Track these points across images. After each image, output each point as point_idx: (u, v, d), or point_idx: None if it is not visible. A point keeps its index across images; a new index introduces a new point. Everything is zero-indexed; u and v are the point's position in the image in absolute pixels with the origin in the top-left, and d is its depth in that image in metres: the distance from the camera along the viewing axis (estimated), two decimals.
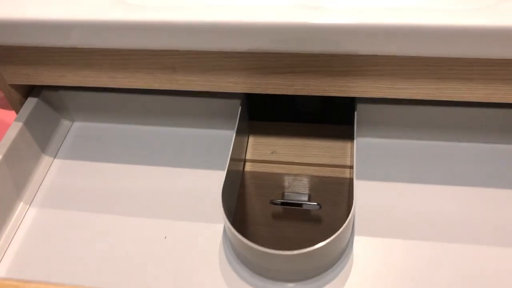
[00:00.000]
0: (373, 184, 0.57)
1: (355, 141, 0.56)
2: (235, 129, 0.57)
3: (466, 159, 0.58)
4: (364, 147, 0.61)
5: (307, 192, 0.64)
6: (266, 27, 0.46)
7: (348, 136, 0.63)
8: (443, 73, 0.48)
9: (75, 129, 0.68)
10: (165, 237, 0.53)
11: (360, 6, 0.46)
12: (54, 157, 0.64)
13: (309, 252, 0.46)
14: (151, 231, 0.55)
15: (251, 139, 0.65)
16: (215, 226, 0.54)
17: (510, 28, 0.42)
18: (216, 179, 0.59)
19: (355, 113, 0.57)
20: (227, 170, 0.53)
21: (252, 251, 0.47)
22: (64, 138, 0.66)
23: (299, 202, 0.64)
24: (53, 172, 0.62)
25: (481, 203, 0.54)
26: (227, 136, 0.62)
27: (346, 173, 0.61)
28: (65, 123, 0.68)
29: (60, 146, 0.65)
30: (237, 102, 0.60)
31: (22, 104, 0.62)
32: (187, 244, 0.53)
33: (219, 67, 0.52)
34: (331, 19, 0.45)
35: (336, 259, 0.50)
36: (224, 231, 0.53)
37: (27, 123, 0.60)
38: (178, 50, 0.51)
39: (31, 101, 0.62)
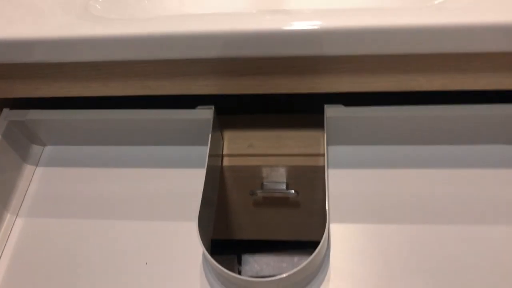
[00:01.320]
0: (346, 172, 0.61)
1: (326, 148, 0.59)
2: (210, 130, 0.59)
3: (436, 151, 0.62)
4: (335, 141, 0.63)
5: (284, 180, 0.67)
6: (229, 35, 0.47)
7: (320, 125, 0.66)
8: (403, 67, 0.51)
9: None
10: (146, 263, 0.55)
11: (319, 9, 0.48)
12: (36, 165, 0.66)
13: (287, 277, 0.47)
14: (134, 235, 0.57)
15: (227, 134, 0.67)
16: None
17: (460, 25, 0.45)
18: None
19: (325, 118, 0.59)
20: (207, 166, 0.55)
21: (231, 279, 0.49)
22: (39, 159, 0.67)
23: (277, 190, 0.67)
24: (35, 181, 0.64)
25: (451, 184, 0.58)
26: (202, 150, 0.63)
27: (320, 161, 0.64)
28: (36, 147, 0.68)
29: (39, 159, 0.67)
30: (209, 112, 0.61)
31: None
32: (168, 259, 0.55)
33: (189, 72, 0.54)
34: (294, 25, 0.47)
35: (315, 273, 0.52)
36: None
37: (6, 135, 0.61)
38: (147, 60, 0.52)
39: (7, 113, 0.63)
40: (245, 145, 0.66)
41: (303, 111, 0.68)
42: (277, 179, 0.67)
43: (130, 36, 0.48)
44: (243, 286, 0.50)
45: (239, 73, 0.53)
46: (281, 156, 0.65)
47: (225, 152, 0.66)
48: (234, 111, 0.69)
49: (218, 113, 0.62)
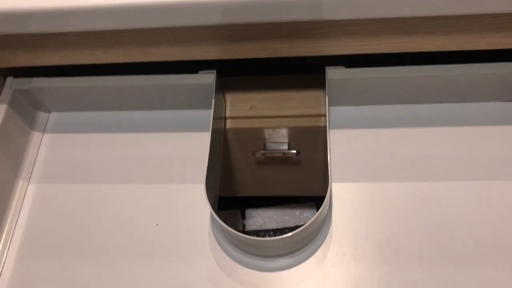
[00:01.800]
0: (347, 132, 0.62)
1: (327, 109, 0.60)
2: (213, 94, 0.60)
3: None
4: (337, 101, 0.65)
5: (286, 141, 0.69)
6: (230, 2, 0.47)
7: (321, 84, 0.67)
8: (403, 29, 0.51)
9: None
10: (157, 224, 0.58)
11: None
12: (43, 132, 0.67)
13: (291, 236, 0.49)
14: (144, 198, 0.60)
15: (229, 96, 0.68)
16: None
17: None
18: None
19: (326, 80, 0.60)
20: (212, 130, 0.56)
21: (239, 238, 0.51)
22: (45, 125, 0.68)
23: (280, 150, 0.69)
24: (44, 147, 0.66)
25: (451, 142, 0.60)
26: (205, 114, 0.64)
27: (321, 122, 0.65)
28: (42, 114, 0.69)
29: (45, 126, 0.68)
30: (211, 76, 0.62)
31: (2, 85, 0.64)
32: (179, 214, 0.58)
33: (191, 39, 0.54)
34: None
35: (317, 231, 0.55)
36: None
37: (12, 103, 0.62)
38: (149, 28, 0.52)
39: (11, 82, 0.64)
40: (246, 107, 0.67)
41: (304, 72, 0.69)
42: (279, 140, 0.69)
43: (133, 5, 0.48)
44: (250, 244, 0.52)
45: (241, 38, 0.54)
46: (282, 118, 0.66)
47: (227, 114, 0.67)
48: (234, 74, 0.70)
49: (219, 76, 0.63)
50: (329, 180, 0.53)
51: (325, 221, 0.56)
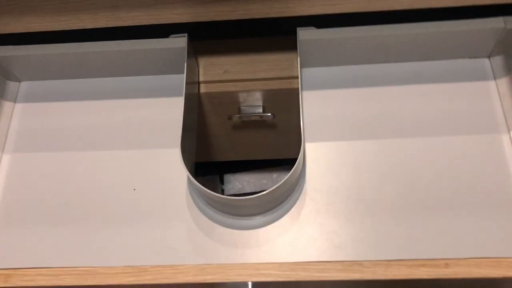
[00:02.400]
0: (320, 93, 0.63)
1: (299, 70, 0.60)
2: (185, 58, 0.59)
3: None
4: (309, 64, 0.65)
5: (261, 104, 0.70)
6: None
7: (294, 47, 0.67)
8: None
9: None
10: (134, 189, 0.58)
11: None
12: (14, 102, 0.66)
13: (266, 194, 0.51)
14: (121, 164, 0.60)
15: (202, 61, 0.68)
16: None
17: None
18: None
19: (297, 41, 0.60)
20: (185, 94, 0.57)
21: (216, 199, 0.53)
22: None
23: (254, 114, 0.70)
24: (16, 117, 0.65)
25: (420, 100, 0.61)
26: (178, 79, 0.64)
27: (295, 84, 0.66)
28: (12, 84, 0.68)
29: (16, 95, 0.67)
30: (182, 40, 0.61)
31: None
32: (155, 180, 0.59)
33: (161, 1, 0.53)
34: None
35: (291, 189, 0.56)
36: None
37: None
38: None
39: None
40: (220, 71, 0.67)
41: (277, 34, 0.69)
42: (253, 103, 0.69)
43: None
44: (228, 204, 0.54)
45: (210, 0, 0.53)
46: (256, 81, 0.67)
47: (201, 79, 0.67)
48: (207, 37, 0.70)
49: (191, 40, 0.62)
50: (302, 140, 0.55)
51: (299, 180, 0.57)
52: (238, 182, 1.00)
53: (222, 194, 0.97)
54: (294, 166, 0.52)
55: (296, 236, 0.54)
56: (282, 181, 0.51)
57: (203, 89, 0.67)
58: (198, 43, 0.68)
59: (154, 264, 0.43)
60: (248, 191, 0.99)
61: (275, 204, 0.55)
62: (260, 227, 0.55)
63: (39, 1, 0.53)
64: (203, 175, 0.96)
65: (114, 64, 0.64)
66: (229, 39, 0.70)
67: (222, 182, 1.01)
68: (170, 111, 0.63)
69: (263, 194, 0.51)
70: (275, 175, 1.00)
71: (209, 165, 0.97)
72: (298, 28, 0.60)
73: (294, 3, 0.54)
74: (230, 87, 0.67)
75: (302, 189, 0.56)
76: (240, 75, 0.67)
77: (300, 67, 0.61)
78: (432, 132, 0.59)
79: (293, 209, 0.55)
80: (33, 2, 0.53)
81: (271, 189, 0.51)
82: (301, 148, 0.54)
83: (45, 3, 0.54)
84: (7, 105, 0.65)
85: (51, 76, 0.66)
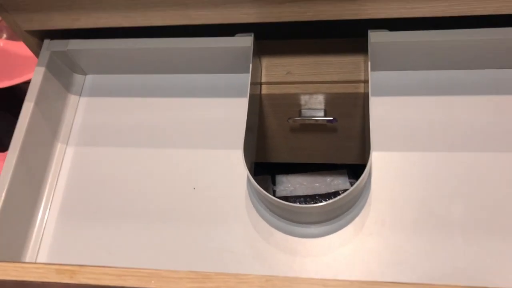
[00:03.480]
0: (388, 99, 0.60)
1: (369, 74, 0.57)
2: (251, 58, 0.58)
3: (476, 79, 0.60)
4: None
5: (323, 107, 0.68)
6: None
7: (361, 49, 0.65)
8: None
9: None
10: (194, 188, 0.58)
11: None
12: (80, 95, 0.67)
13: (331, 203, 0.49)
14: (181, 162, 0.60)
15: (265, 61, 0.67)
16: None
17: None
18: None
19: (368, 43, 0.57)
20: (249, 95, 0.55)
21: (276, 203, 0.51)
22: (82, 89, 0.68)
23: (315, 118, 0.68)
24: (81, 110, 0.66)
25: (495, 111, 0.57)
26: (240, 78, 0.64)
27: (360, 88, 0.63)
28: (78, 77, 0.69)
29: (82, 88, 0.68)
30: (248, 40, 0.60)
31: (39, 47, 0.64)
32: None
33: (230, 1, 0.52)
34: None
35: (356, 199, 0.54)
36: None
37: (49, 65, 0.62)
38: None
39: (48, 44, 0.64)
40: (283, 72, 0.66)
41: (343, 35, 0.67)
42: (315, 106, 0.68)
43: None
44: (288, 210, 0.52)
45: (280, 1, 0.52)
46: (319, 83, 0.65)
47: (263, 80, 0.66)
48: (270, 37, 0.68)
49: (255, 39, 0.61)
50: (370, 148, 0.52)
51: (364, 189, 0.55)
52: (290, 183, 0.98)
53: (274, 194, 0.95)
54: (362, 175, 0.50)
55: (358, 248, 0.52)
56: (349, 190, 0.49)
57: (264, 90, 0.65)
58: (261, 43, 0.66)
59: (215, 270, 0.42)
60: (300, 194, 0.97)
61: (338, 214, 0.54)
62: (321, 236, 0.53)
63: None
64: (255, 174, 0.96)
65: (178, 61, 0.64)
66: (293, 39, 0.68)
67: (274, 182, 1.00)
68: (233, 111, 0.62)
69: (328, 203, 0.49)
70: (329, 179, 0.97)
71: (262, 165, 0.95)
72: (369, 30, 0.58)
73: (368, 5, 0.51)
74: (292, 89, 0.65)
75: (367, 199, 0.54)
76: (303, 77, 0.65)
77: (370, 71, 0.58)
78: (510, 147, 0.55)
79: (356, 219, 0.53)
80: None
81: (336, 198, 0.49)
82: (369, 155, 0.52)
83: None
84: (73, 98, 0.66)
85: (118, 70, 0.67)
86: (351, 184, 0.94)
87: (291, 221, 0.54)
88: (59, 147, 0.63)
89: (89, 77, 0.68)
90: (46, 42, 0.63)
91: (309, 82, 0.65)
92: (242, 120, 0.55)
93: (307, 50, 0.67)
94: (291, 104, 0.67)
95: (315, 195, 0.94)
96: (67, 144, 0.63)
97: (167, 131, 0.62)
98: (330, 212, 0.53)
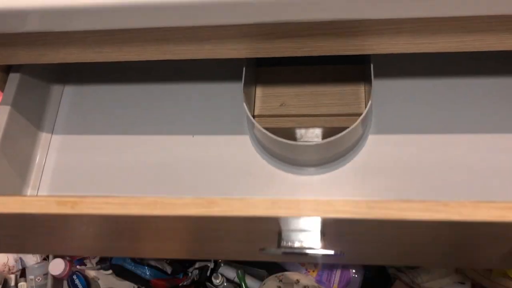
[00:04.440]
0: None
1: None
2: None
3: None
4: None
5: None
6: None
7: (361, 77, 0.59)
8: (469, 27, 0.42)
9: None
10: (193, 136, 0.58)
11: None
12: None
13: (329, 142, 0.50)
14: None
15: (259, 91, 0.61)
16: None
17: None
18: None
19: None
20: None
21: (276, 143, 0.52)
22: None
23: None
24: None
25: None
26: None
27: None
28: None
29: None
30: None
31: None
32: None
33: (217, 36, 0.46)
34: None
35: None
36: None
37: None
38: (168, 27, 0.44)
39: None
40: (276, 104, 0.60)
41: (343, 60, 0.61)
42: (312, 140, 0.62)
43: (150, 4, 0.40)
44: (286, 148, 0.53)
45: (272, 37, 0.46)
46: (316, 116, 0.59)
47: (256, 112, 0.60)
48: (264, 61, 0.62)
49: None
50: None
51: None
52: None
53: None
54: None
55: (351, 188, 0.53)
56: (346, 131, 0.50)
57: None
58: (253, 69, 0.60)
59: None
60: None
61: (335, 157, 0.54)
62: (315, 174, 0.54)
63: (80, 34, 0.47)
64: None
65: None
66: (288, 65, 0.62)
67: None
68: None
69: (325, 142, 0.50)
70: None
71: None
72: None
73: (371, 40, 0.45)
74: (287, 123, 0.59)
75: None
76: (298, 109, 0.59)
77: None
78: None
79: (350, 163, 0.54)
80: (72, 34, 0.47)
81: (332, 138, 0.50)
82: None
83: (87, 36, 0.47)
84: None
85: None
86: None
87: (292, 164, 0.55)
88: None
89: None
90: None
91: (304, 115, 0.59)
92: None
93: (303, 78, 0.61)
94: (286, 138, 0.61)
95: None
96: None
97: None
98: (327, 152, 0.53)
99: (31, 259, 0.98)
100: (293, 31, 0.44)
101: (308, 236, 0.40)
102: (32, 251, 0.60)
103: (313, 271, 0.86)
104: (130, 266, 0.90)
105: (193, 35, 0.46)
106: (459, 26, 0.43)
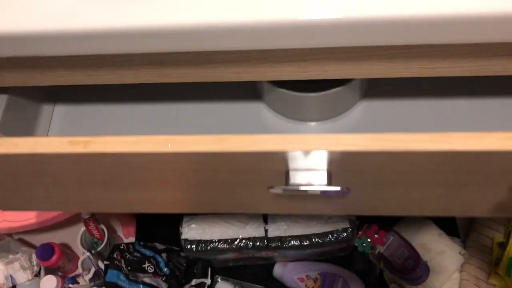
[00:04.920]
0: None
1: None
2: None
3: None
4: None
5: None
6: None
7: None
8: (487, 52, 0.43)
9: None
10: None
11: None
12: None
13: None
14: None
15: None
16: None
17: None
18: None
19: None
20: None
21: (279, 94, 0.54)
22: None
23: None
24: None
25: None
26: None
27: None
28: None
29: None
30: None
31: None
32: None
33: (219, 60, 0.46)
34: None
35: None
36: None
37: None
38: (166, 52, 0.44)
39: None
40: None
41: None
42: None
43: (150, 29, 0.39)
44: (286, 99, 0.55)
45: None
46: None
47: None
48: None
49: None
50: None
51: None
52: (284, 222, 0.91)
53: (266, 234, 0.90)
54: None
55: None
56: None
57: None
58: None
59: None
60: (295, 233, 0.90)
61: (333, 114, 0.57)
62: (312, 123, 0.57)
63: (71, 58, 0.47)
64: None
65: None
66: None
67: (265, 221, 0.92)
68: None
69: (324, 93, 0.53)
70: (325, 216, 0.90)
71: None
72: None
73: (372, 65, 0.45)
74: None
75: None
76: None
77: None
78: None
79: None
80: (65, 58, 0.47)
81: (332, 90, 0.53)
82: None
83: (78, 59, 0.47)
84: None
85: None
86: (350, 222, 0.89)
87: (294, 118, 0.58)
88: None
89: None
90: None
91: None
92: None
93: None
94: None
95: (311, 234, 0.87)
96: None
97: None
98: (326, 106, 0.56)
99: (22, 276, 0.97)
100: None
101: (315, 174, 0.42)
102: (33, 207, 0.57)
103: (313, 287, 0.76)
104: (125, 284, 0.87)
105: (193, 58, 0.46)
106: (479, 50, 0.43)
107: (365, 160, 0.41)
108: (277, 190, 0.44)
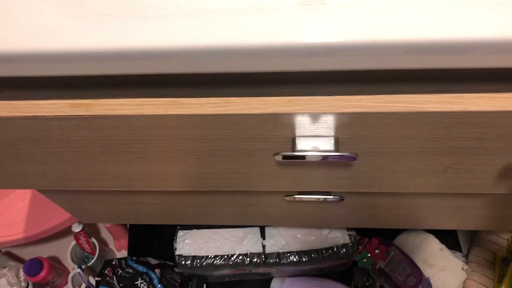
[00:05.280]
0: None
1: None
2: None
3: None
4: None
5: None
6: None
7: None
8: None
9: None
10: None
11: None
12: None
13: None
14: None
15: None
16: None
17: None
18: None
19: None
20: None
21: None
22: None
23: None
24: None
25: None
26: None
27: None
28: None
29: None
30: None
31: None
32: None
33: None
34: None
35: None
36: None
37: None
38: None
39: None
40: None
41: None
42: None
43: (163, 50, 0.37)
44: None
45: None
46: None
47: None
48: None
49: None
50: None
51: None
52: (282, 237, 0.87)
53: (263, 250, 0.86)
54: None
55: None
56: None
57: None
58: None
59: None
60: (293, 249, 0.86)
61: None
62: None
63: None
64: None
65: None
66: None
67: (263, 236, 0.89)
68: None
69: None
70: (325, 231, 0.87)
71: None
72: None
73: None
74: None
75: None
76: None
77: None
78: None
79: None
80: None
81: None
82: None
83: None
84: None
85: None
86: (350, 237, 0.86)
87: None
88: None
89: None
90: None
91: None
92: None
93: None
94: None
95: (310, 250, 0.84)
96: None
97: None
98: None
99: None
100: None
101: (322, 140, 0.41)
102: (28, 184, 0.53)
103: None
104: None
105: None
106: None
107: (374, 124, 0.40)
108: (283, 155, 0.43)
